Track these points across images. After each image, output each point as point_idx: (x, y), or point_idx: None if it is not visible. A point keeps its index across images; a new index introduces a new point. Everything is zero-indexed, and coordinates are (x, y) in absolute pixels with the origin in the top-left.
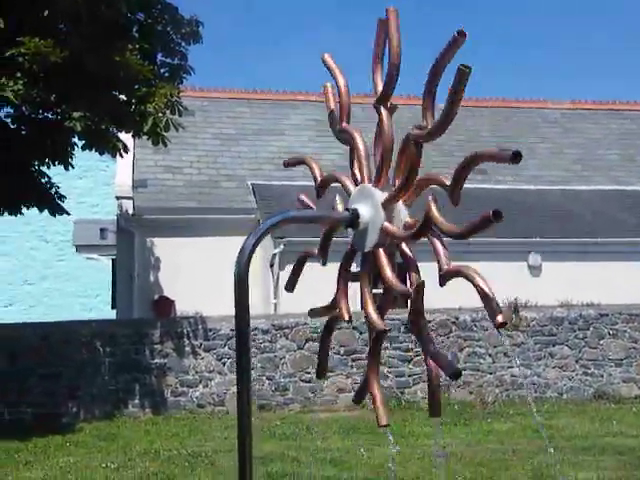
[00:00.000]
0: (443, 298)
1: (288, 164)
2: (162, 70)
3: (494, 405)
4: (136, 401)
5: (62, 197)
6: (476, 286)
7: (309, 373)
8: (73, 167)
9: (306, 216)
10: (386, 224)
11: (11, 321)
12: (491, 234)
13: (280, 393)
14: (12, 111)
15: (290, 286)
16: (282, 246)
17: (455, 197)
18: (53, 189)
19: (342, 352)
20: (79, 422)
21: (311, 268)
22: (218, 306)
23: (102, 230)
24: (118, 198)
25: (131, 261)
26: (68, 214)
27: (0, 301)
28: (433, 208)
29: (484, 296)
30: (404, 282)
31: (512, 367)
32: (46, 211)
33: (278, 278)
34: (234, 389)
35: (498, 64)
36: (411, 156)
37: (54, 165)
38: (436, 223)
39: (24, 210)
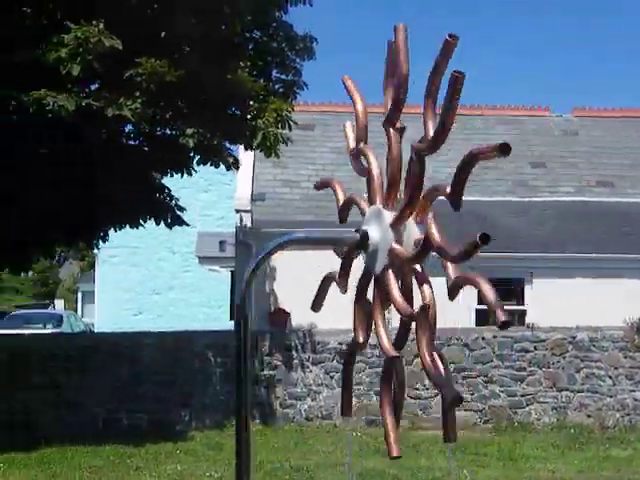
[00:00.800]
0: (559, 317)
1: (317, 187)
2: (277, 86)
3: (614, 430)
4: None
5: (182, 209)
6: (480, 291)
7: (417, 389)
8: (196, 171)
9: (311, 238)
10: (394, 245)
11: (139, 329)
12: (619, 250)
13: None
14: (132, 128)
15: (316, 307)
16: None
17: (456, 202)
18: (173, 201)
19: (451, 369)
20: (191, 430)
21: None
22: (331, 319)
23: (221, 242)
24: (237, 211)
25: None
26: (187, 225)
27: (130, 310)
28: (433, 229)
29: (489, 303)
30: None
31: (635, 391)
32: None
33: None
34: None
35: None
36: (414, 171)
37: (175, 174)
38: (435, 245)
39: (152, 222)
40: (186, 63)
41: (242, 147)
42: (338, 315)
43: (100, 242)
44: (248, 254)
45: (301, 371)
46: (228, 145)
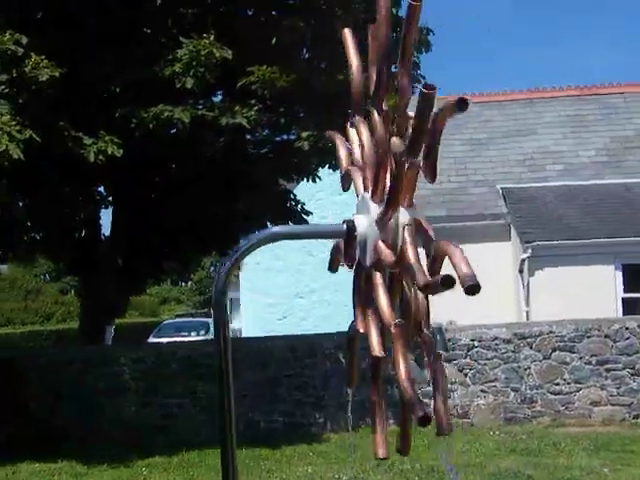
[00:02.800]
0: None
1: (328, 136)
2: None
3: None
4: None
5: (308, 213)
6: (452, 261)
7: (558, 384)
8: (320, 178)
9: (293, 232)
10: (379, 243)
11: (284, 333)
12: None
13: (527, 405)
14: (249, 136)
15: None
16: (530, 251)
17: (430, 172)
18: (299, 206)
19: (594, 362)
20: (326, 432)
21: (560, 273)
22: (466, 315)
23: None
24: None
25: None
26: None
27: (275, 314)
28: (408, 244)
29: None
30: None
31: None
32: None
33: (528, 285)
34: (478, 401)
35: None
36: (394, 174)
37: (301, 180)
38: (406, 262)
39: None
40: (297, 67)
41: None
42: (474, 312)
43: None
44: None
45: None
46: None
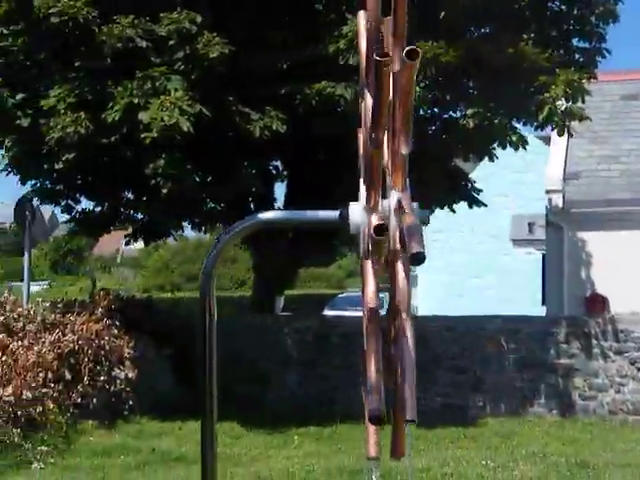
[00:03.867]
0: None
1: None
2: (577, 56)
3: None
4: (542, 401)
5: (478, 190)
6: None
7: None
8: (497, 157)
9: (282, 219)
10: (366, 231)
11: (462, 313)
12: None
13: None
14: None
15: None
16: None
17: (404, 141)
18: (470, 184)
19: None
20: (485, 416)
21: None
22: None
23: (530, 225)
24: (548, 192)
25: (560, 256)
26: (485, 206)
27: (452, 293)
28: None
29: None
30: None
31: None
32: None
33: None
34: None
35: None
36: (367, 154)
37: (476, 159)
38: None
39: (459, 206)
40: (465, 42)
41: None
42: None
43: None
44: (559, 236)
45: (602, 360)
46: (512, 124)
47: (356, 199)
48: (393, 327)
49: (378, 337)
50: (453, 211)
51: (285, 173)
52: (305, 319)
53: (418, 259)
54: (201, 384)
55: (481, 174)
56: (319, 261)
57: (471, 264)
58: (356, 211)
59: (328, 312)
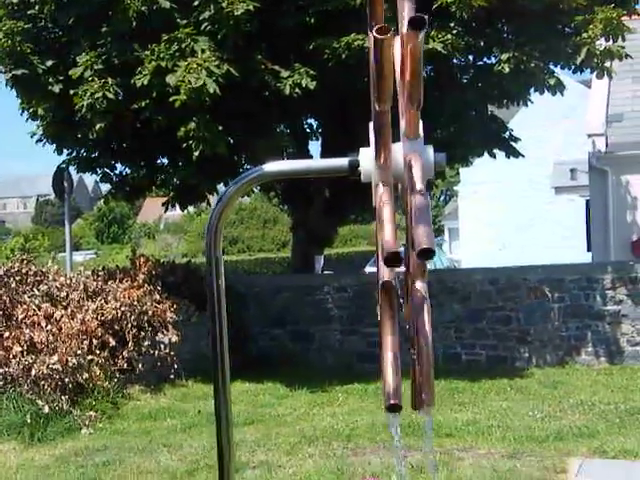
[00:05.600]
0: None
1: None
2: None
3: None
4: (589, 349)
5: (515, 139)
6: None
7: None
8: (532, 101)
9: (287, 170)
10: (379, 185)
11: (503, 264)
12: None
13: None
14: (456, 61)
15: None
16: None
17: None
18: (507, 132)
19: None
20: (531, 367)
21: None
22: None
23: (572, 171)
24: (589, 136)
25: (605, 201)
26: (522, 156)
27: (494, 245)
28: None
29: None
30: None
31: None
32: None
33: None
34: None
35: None
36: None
37: (511, 105)
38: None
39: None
40: None
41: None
42: None
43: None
44: (602, 181)
45: None
46: (548, 67)
47: None
48: (407, 300)
49: (394, 312)
50: (493, 156)
51: (320, 131)
52: (345, 277)
53: (426, 255)
54: (212, 343)
55: (520, 121)
56: (359, 218)
57: (513, 214)
58: (367, 158)
59: (370, 269)
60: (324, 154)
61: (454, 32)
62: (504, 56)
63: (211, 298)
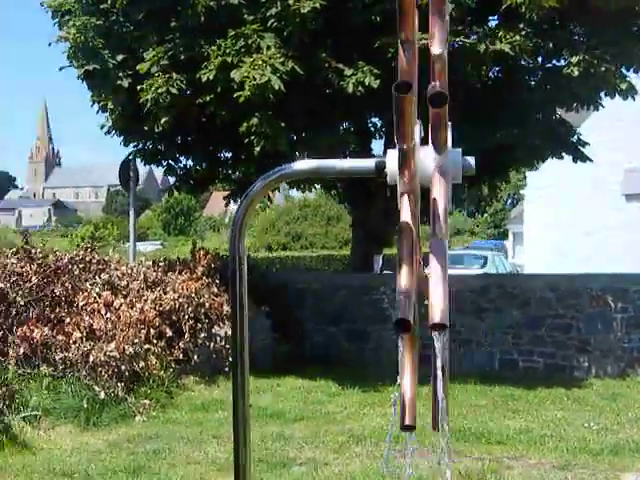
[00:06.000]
0: None
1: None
2: None
3: None
4: None
5: (584, 143)
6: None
7: None
8: (602, 106)
9: (308, 169)
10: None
11: (570, 271)
12: None
13: None
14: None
15: None
16: None
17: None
18: (575, 136)
19: None
20: (590, 378)
21: None
22: None
23: None
24: None
25: None
26: (590, 161)
27: (559, 251)
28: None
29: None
30: None
31: None
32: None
33: None
34: None
35: None
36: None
37: (581, 109)
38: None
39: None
40: None
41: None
42: None
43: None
44: None
45: None
46: (621, 70)
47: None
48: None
49: (413, 343)
50: (560, 158)
51: (383, 130)
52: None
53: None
54: (233, 345)
55: (591, 125)
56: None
57: (580, 220)
58: (393, 159)
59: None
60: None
61: (522, 33)
62: (574, 59)
63: (233, 294)
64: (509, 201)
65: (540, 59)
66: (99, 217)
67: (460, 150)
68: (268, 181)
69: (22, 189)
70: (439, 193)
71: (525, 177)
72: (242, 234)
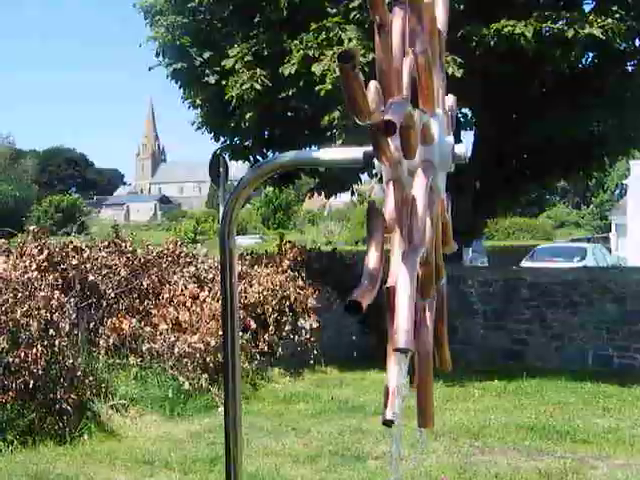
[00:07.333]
0: None
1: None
2: None
3: None
4: None
5: None
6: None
7: None
8: None
9: (300, 160)
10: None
11: None
12: None
13: None
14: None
15: None
16: None
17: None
18: None
19: None
20: None
21: None
22: None
23: None
24: None
25: None
26: None
27: None
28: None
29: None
30: None
31: None
32: None
33: None
34: None
35: None
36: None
37: None
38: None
39: None
40: None
41: None
42: None
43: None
44: None
45: None
46: None
47: (540, 145)
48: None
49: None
50: None
51: (474, 121)
52: (493, 271)
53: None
54: (223, 342)
55: None
56: (525, 212)
57: None
58: None
59: (526, 264)
60: (478, 144)
61: (616, 16)
62: None
63: (222, 287)
64: (617, 191)
65: (638, 42)
66: (201, 212)
67: (452, 138)
68: (257, 173)
69: (130, 185)
70: (417, 190)
71: (630, 167)
72: (232, 227)
